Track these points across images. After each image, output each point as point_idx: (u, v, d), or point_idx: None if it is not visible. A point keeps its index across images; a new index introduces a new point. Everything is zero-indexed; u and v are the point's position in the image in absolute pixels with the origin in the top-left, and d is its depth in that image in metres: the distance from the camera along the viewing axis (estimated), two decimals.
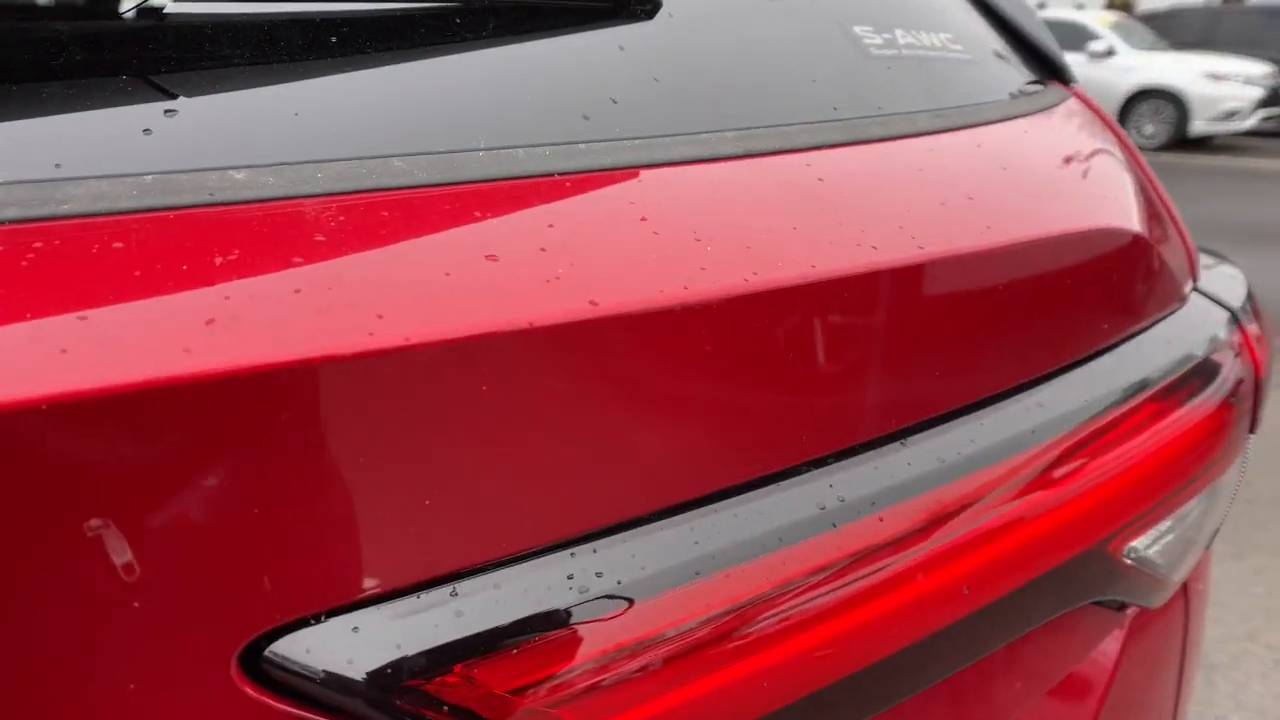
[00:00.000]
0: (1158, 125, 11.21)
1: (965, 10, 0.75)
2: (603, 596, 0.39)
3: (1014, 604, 0.54)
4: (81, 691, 0.32)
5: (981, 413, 0.53)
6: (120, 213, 0.34)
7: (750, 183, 0.47)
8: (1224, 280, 0.83)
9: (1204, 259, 0.88)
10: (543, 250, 0.38)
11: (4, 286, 0.31)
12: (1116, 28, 12.15)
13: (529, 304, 0.36)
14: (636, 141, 0.46)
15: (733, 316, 0.40)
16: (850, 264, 0.44)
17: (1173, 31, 12.91)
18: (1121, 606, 0.73)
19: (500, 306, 0.35)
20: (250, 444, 0.32)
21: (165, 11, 0.42)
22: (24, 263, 0.32)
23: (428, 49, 0.45)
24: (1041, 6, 15.03)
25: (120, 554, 0.31)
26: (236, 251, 0.34)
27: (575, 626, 0.39)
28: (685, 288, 0.39)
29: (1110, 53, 11.66)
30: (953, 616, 0.51)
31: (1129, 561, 0.65)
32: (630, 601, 0.39)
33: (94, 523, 0.30)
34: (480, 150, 0.42)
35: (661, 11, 0.54)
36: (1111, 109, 11.41)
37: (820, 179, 0.50)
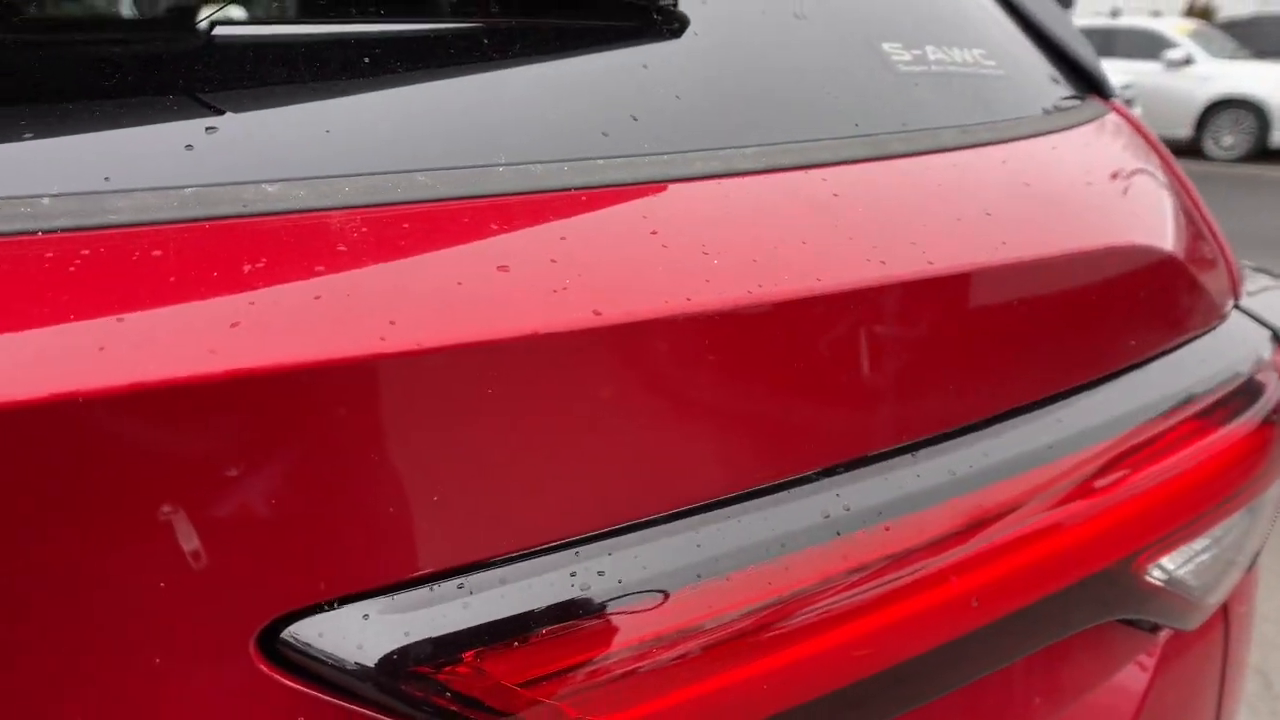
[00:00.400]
0: (1238, 136, 10.87)
1: (1001, 26, 0.75)
2: (605, 595, 0.41)
3: (1027, 619, 0.54)
4: (114, 664, 0.34)
5: (996, 427, 0.54)
6: (161, 223, 0.37)
7: (764, 198, 0.49)
8: (1272, 299, 0.82)
9: (1261, 279, 0.87)
10: (553, 262, 0.40)
11: (54, 290, 0.34)
12: (1195, 36, 11.82)
13: (534, 313, 0.38)
14: (653, 158, 0.48)
15: (734, 328, 0.42)
16: (855, 278, 0.45)
17: (1254, 39, 12.51)
18: (1154, 628, 0.72)
19: (506, 315, 0.37)
20: (269, 440, 0.34)
21: (213, 35, 0.45)
22: (72, 268, 0.35)
23: (455, 68, 0.48)
24: (1116, 14, 14.68)
25: (150, 540, 0.33)
26: (264, 260, 0.37)
27: (580, 623, 0.40)
28: (688, 299, 0.41)
29: (1188, 61, 11.35)
30: (962, 629, 0.51)
31: (1155, 581, 0.64)
32: (632, 600, 0.41)
33: (126, 510, 0.33)
34: (500, 166, 0.44)
35: (687, 31, 0.56)
36: (1189, 119, 11.11)
37: (835, 194, 0.51)
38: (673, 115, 0.51)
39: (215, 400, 0.33)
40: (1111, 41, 11.81)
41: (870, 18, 0.65)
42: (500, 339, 0.37)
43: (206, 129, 0.41)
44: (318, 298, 0.36)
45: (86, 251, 0.35)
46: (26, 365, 0.31)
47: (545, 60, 0.50)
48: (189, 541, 0.34)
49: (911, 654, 0.50)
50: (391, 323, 0.35)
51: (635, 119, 0.50)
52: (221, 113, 0.42)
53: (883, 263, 0.47)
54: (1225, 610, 0.81)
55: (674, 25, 0.56)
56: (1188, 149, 10.91)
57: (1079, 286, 0.56)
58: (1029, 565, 0.53)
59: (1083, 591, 0.57)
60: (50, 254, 0.35)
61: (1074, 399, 0.57)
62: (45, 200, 0.37)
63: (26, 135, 0.38)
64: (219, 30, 0.46)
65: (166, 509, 0.33)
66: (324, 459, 0.35)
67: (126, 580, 0.33)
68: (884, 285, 0.46)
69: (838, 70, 0.60)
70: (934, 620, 0.50)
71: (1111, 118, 0.76)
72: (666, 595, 0.42)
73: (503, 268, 0.39)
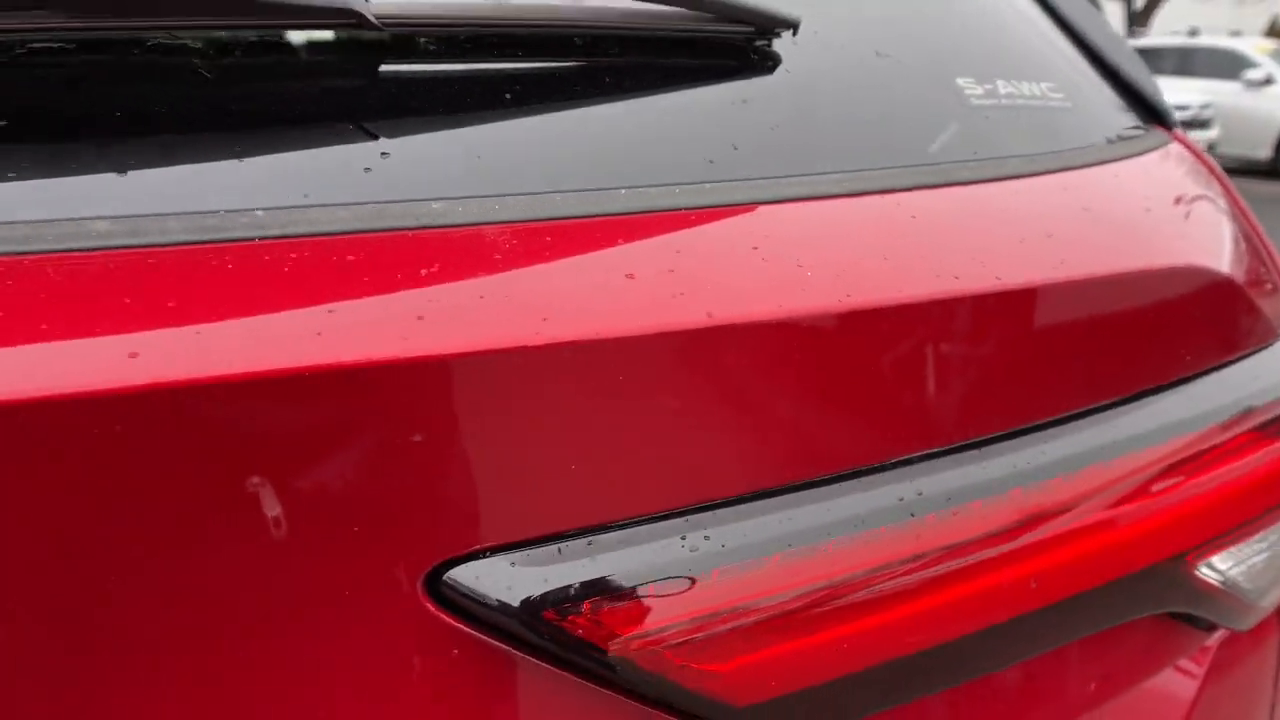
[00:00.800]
0: None
1: (1069, 59, 0.81)
2: (709, 558, 0.47)
3: (1081, 604, 0.59)
4: (309, 599, 0.42)
5: (1057, 429, 0.59)
6: (350, 233, 0.45)
7: (849, 218, 0.55)
8: None
9: None
10: (671, 271, 0.47)
11: (274, 287, 0.42)
12: (1276, 55, 11.55)
13: (658, 314, 0.45)
14: (752, 182, 0.55)
15: (825, 332, 0.48)
16: (931, 291, 0.51)
17: None
18: (1210, 627, 0.76)
19: (635, 315, 0.44)
20: (443, 414, 0.42)
21: (379, 70, 0.53)
22: (286, 268, 0.43)
23: (582, 102, 0.55)
24: (1194, 33, 14.39)
25: (347, 492, 0.41)
26: (436, 266, 0.44)
27: (686, 582, 0.47)
28: (783, 305, 0.47)
29: (1268, 81, 11.10)
30: (1021, 609, 0.57)
31: (1206, 578, 0.69)
32: (732, 564, 0.48)
33: (335, 469, 0.40)
34: (623, 189, 0.51)
35: (780, 68, 0.62)
36: (1269, 140, 10.85)
37: (912, 216, 0.57)
38: (769, 144, 0.58)
39: (405, 379, 0.40)
40: (1190, 61, 11.59)
41: (946, 55, 0.71)
42: (630, 335, 0.44)
43: (381, 154, 0.49)
44: (481, 297, 0.43)
45: (295, 255, 0.43)
46: (262, 345, 0.39)
47: (659, 94, 0.57)
48: (377, 495, 0.41)
49: (973, 629, 0.55)
50: (544, 320, 0.43)
51: (736, 148, 0.57)
52: (393, 139, 0.49)
53: (956, 278, 0.53)
54: None
55: (769, 64, 0.63)
56: (1268, 170, 10.65)
57: (1136, 303, 0.61)
58: (1084, 555, 0.59)
59: (1135, 583, 0.62)
60: (267, 257, 0.43)
61: (1132, 406, 0.63)
62: (259, 212, 0.45)
63: (243, 157, 0.47)
64: (384, 67, 0.54)
65: (362, 467, 0.41)
66: (482, 432, 0.43)
67: (327, 526, 0.41)
68: (956, 298, 0.52)
69: (915, 104, 0.66)
70: (995, 599, 0.55)
71: (1174, 147, 0.81)
72: (761, 561, 0.48)
73: (630, 275, 0.47)
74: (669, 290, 0.46)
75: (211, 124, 0.48)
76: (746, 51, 0.62)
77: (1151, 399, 0.64)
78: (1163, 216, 0.68)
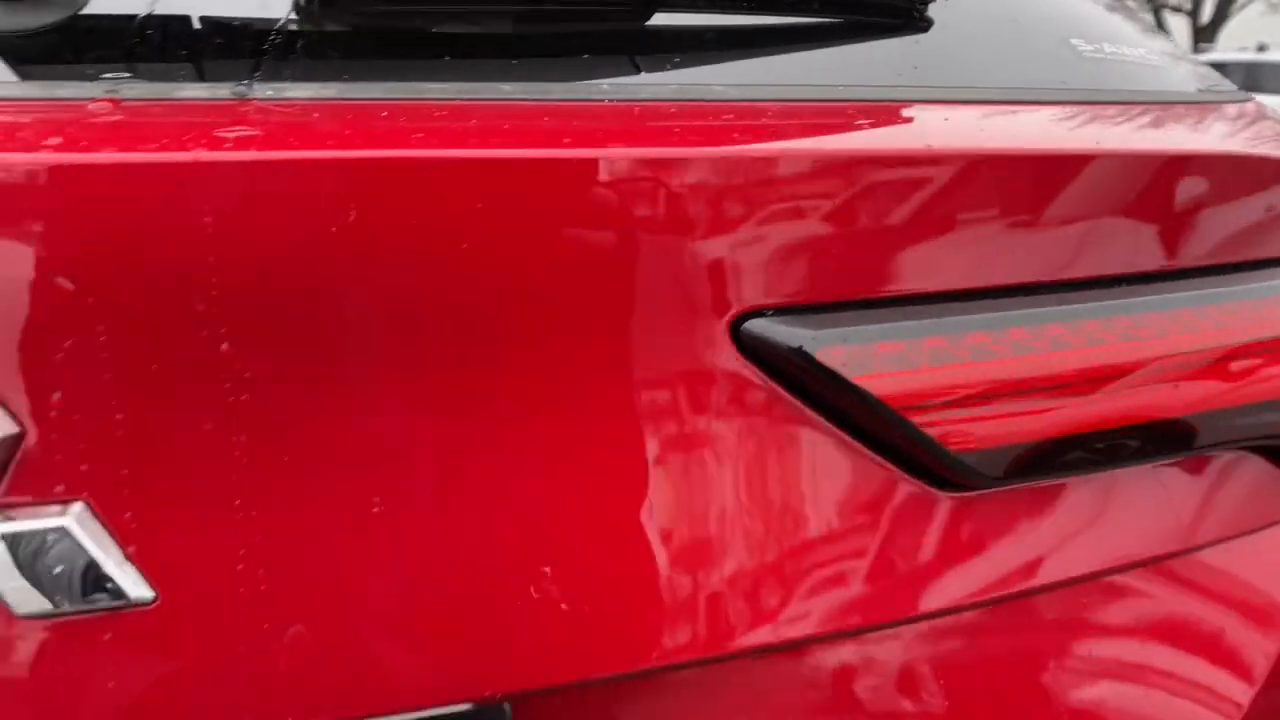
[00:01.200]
0: None
1: (1153, 34, 1.00)
2: (929, 329, 0.64)
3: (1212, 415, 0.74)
4: (657, 338, 0.59)
5: (1192, 279, 0.75)
6: (662, 100, 0.64)
7: (1003, 114, 0.74)
8: None
9: None
10: (893, 123, 0.66)
11: (607, 129, 0.61)
12: None
13: (891, 142, 0.63)
14: (934, 88, 0.74)
15: (999, 169, 0.66)
16: (1076, 147, 0.69)
17: None
18: None
19: (875, 141, 0.63)
20: (752, 206, 0.60)
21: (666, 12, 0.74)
22: (634, 114, 0.62)
23: (802, 42, 0.75)
24: (1263, 49, 14.26)
25: (689, 258, 0.59)
26: (731, 115, 0.63)
27: (920, 349, 0.63)
28: (979, 147, 0.66)
29: None
30: (1168, 411, 0.72)
31: None
32: (949, 338, 0.64)
33: (687, 238, 0.59)
34: (839, 85, 0.71)
35: (936, 26, 0.82)
36: None
37: (1051, 119, 0.75)
38: (938, 70, 0.77)
39: (720, 170, 0.59)
40: (1257, 76, 11.40)
41: (1060, 21, 0.90)
42: (867, 156, 0.63)
43: (675, 59, 0.69)
44: (768, 127, 0.62)
45: (636, 110, 0.63)
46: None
47: (867, 40, 0.77)
48: (706, 258, 0.59)
49: (1129, 421, 0.70)
50: (804, 139, 0.61)
51: (915, 68, 0.76)
52: (684, 53, 0.70)
53: (1098, 142, 0.70)
54: None
55: (924, 25, 0.82)
56: None
57: (1240, 185, 0.77)
58: (1224, 376, 0.73)
59: (1252, 409, 0.76)
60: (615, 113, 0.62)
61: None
62: (604, 85, 0.64)
63: (610, 64, 0.67)
64: (667, 14, 0.74)
65: (702, 235, 0.59)
66: (775, 220, 0.61)
67: (684, 279, 0.59)
68: (1096, 154, 0.70)
69: (1041, 52, 0.85)
70: (1149, 399, 0.70)
71: (1252, 104, 0.98)
72: (969, 340, 0.64)
73: (859, 124, 0.65)
74: (894, 133, 0.65)
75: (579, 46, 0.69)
76: (910, 12, 0.82)
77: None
78: (1255, 134, 0.85)
